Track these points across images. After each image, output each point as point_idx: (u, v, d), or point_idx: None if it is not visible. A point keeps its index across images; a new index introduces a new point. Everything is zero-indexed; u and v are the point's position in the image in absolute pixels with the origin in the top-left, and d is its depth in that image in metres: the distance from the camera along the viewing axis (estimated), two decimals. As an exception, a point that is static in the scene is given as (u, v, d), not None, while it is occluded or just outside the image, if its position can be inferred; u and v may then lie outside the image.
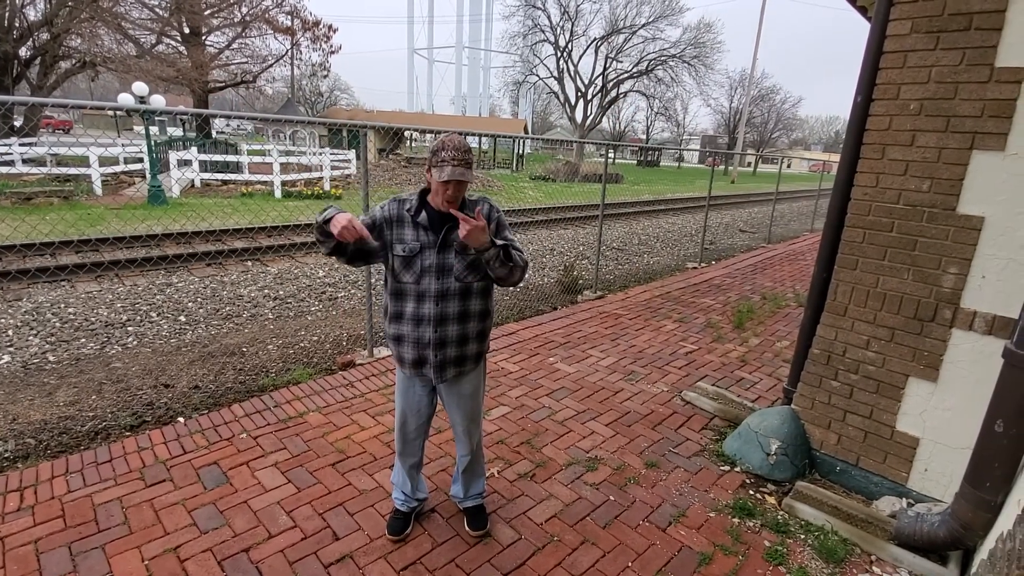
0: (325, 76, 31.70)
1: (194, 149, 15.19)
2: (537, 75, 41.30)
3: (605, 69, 40.50)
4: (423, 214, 2.02)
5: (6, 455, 2.88)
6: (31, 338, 4.62)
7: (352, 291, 6.58)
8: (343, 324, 5.31)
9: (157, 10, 19.90)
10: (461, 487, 2.46)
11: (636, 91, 43.02)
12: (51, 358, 4.29)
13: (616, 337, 5.04)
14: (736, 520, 2.63)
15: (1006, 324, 2.34)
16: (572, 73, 40.40)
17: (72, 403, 3.50)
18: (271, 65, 24.54)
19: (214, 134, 27.06)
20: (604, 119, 46.69)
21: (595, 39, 39.69)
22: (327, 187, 15.97)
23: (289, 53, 25.88)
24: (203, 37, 21.73)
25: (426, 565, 2.24)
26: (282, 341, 4.76)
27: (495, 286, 2.18)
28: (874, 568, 2.38)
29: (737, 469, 3.05)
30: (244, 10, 22.08)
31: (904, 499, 2.67)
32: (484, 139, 32.99)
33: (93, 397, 3.59)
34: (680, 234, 12.53)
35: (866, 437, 2.82)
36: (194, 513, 2.45)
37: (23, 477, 2.63)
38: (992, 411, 2.02)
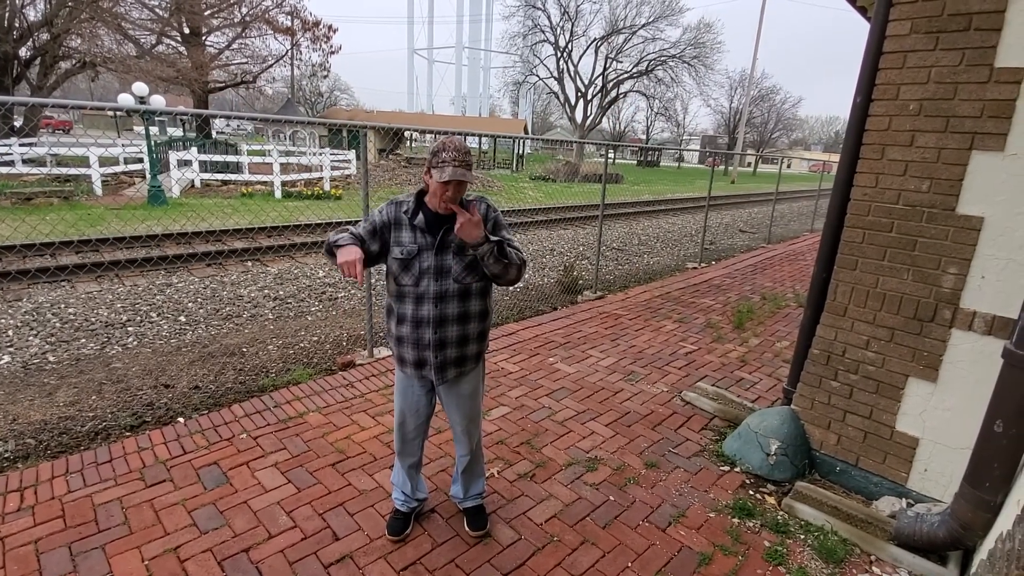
0: (325, 76, 31.74)
1: (194, 149, 15.19)
2: (537, 75, 41.33)
3: (605, 69, 40.52)
4: (420, 216, 2.02)
5: (6, 455, 2.89)
6: (31, 338, 4.62)
7: (352, 291, 6.58)
8: (343, 324, 5.31)
9: (157, 10, 19.91)
10: (461, 487, 2.46)
11: (636, 91, 43.06)
12: (51, 358, 4.29)
13: (616, 337, 5.04)
14: (736, 520, 2.63)
15: (1006, 324, 2.34)
16: (572, 73, 40.43)
17: (72, 403, 3.50)
18: (271, 65, 24.56)
19: (214, 134, 27.07)
20: (604, 119, 46.72)
21: (595, 39, 39.73)
22: (327, 187, 15.97)
23: (289, 53, 25.91)
24: (203, 37, 21.74)
25: (426, 565, 2.25)
26: (282, 341, 4.76)
27: (494, 286, 2.19)
28: (874, 568, 2.38)
29: (737, 469, 3.05)
30: (244, 10, 22.09)
31: (904, 499, 2.67)
32: (484, 139, 32.99)
33: (93, 397, 3.59)
34: (680, 234, 12.53)
35: (866, 437, 2.82)
36: (194, 513, 2.45)
37: (23, 477, 2.64)
38: (992, 411, 2.03)
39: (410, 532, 2.41)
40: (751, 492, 2.87)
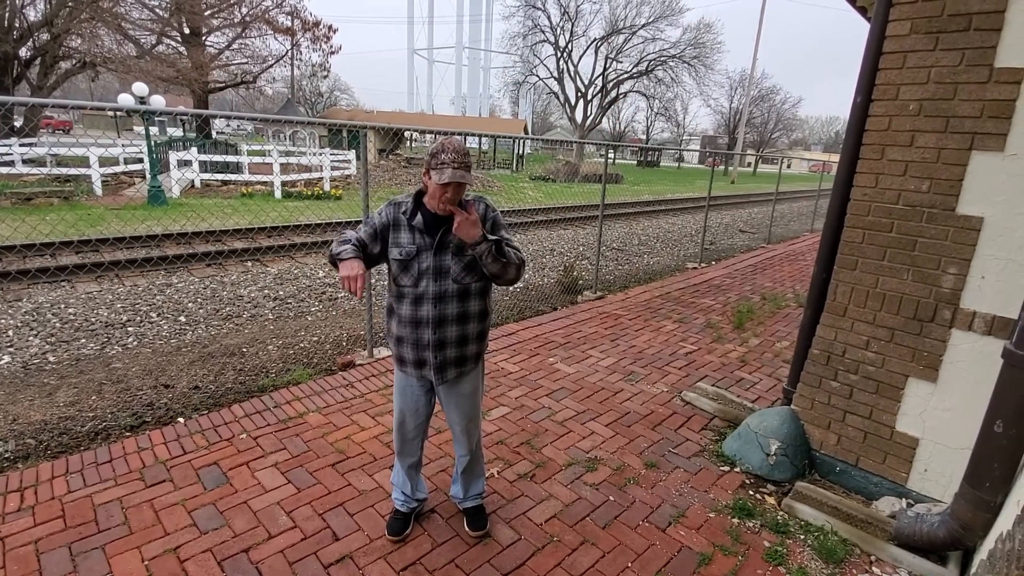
0: (325, 76, 31.74)
1: (194, 149, 15.19)
2: (537, 75, 41.33)
3: (605, 69, 40.52)
4: (419, 217, 2.02)
5: (6, 455, 2.89)
6: (31, 338, 4.62)
7: (352, 291, 6.57)
8: (343, 324, 5.31)
9: (157, 10, 19.91)
10: (461, 487, 2.46)
11: (636, 91, 43.07)
12: (51, 358, 4.29)
13: (616, 337, 5.04)
14: (736, 520, 2.63)
15: (1005, 324, 2.34)
16: (572, 73, 40.43)
17: (72, 403, 3.50)
18: (271, 65, 24.56)
19: (214, 134, 27.07)
20: (604, 119, 46.72)
21: (595, 39, 39.74)
22: (327, 187, 15.98)
23: (289, 53, 25.92)
24: (203, 37, 21.74)
25: (426, 566, 2.25)
26: (282, 341, 4.76)
27: (493, 286, 2.19)
28: (874, 568, 2.38)
29: (737, 469, 3.05)
30: (244, 10, 22.09)
31: (904, 499, 2.67)
32: (484, 139, 32.99)
33: (93, 397, 3.59)
34: (680, 234, 12.53)
35: (866, 437, 2.82)
36: (194, 513, 2.45)
37: (23, 477, 2.64)
38: (991, 411, 2.03)
39: (410, 532, 2.41)
40: (751, 492, 2.87)
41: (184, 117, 27.26)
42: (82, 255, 7.13)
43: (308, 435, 3.13)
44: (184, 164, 14.67)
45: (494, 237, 1.98)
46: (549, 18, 38.58)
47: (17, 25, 16.72)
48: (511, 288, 6.76)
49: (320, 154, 18.17)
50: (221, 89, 24.46)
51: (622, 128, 61.56)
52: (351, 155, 20.05)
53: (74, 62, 18.56)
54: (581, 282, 6.78)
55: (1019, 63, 2.23)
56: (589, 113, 41.87)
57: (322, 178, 16.43)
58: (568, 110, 42.65)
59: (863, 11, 3.58)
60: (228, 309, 5.67)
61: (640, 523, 2.58)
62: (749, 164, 59.55)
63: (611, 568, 2.30)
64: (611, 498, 2.75)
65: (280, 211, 11.25)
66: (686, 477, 2.97)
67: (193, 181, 14.75)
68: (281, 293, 6.30)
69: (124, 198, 12.29)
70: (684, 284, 7.28)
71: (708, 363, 4.59)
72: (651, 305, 6.18)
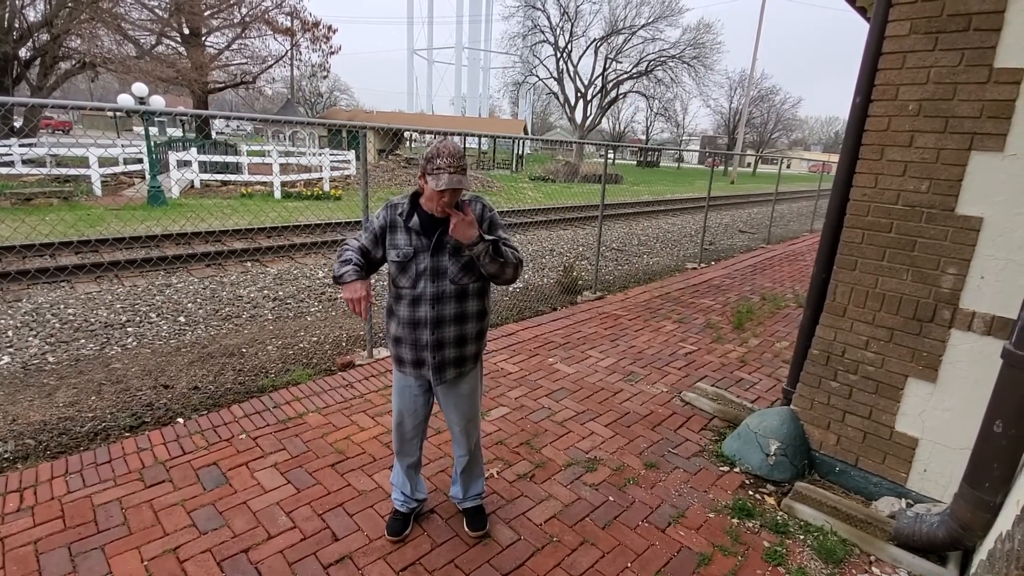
0: (325, 77, 31.70)
1: (193, 150, 15.19)
2: (537, 76, 41.35)
3: (605, 70, 40.54)
4: (415, 218, 2.02)
5: (6, 456, 2.88)
6: (31, 339, 4.62)
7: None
8: (342, 325, 5.31)
9: (157, 11, 19.91)
10: (460, 488, 2.46)
11: (636, 92, 43.09)
12: (51, 359, 4.29)
13: (616, 338, 5.04)
14: (735, 521, 2.63)
15: (1005, 324, 2.34)
16: (572, 74, 40.45)
17: (72, 404, 3.49)
18: (271, 66, 24.54)
19: (214, 135, 27.07)
20: (604, 120, 46.74)
21: (595, 40, 39.76)
22: (327, 188, 15.98)
23: (289, 54, 25.90)
24: (203, 38, 21.74)
25: (425, 566, 2.25)
26: (281, 342, 4.76)
27: (492, 285, 2.19)
28: (873, 568, 2.38)
29: (736, 470, 3.05)
30: (244, 11, 22.09)
31: (903, 499, 2.67)
32: (484, 140, 33.00)
33: (93, 398, 3.59)
34: (679, 235, 12.53)
35: (865, 438, 2.82)
36: (193, 514, 2.45)
37: (23, 478, 2.63)
38: (991, 411, 2.03)
39: (409, 533, 2.41)
40: (751, 492, 2.87)
41: (184, 117, 27.27)
42: (81, 255, 7.13)
43: (307, 435, 3.13)
44: (183, 164, 14.67)
45: (491, 237, 1.98)
46: (549, 18, 38.63)
47: (17, 25, 16.72)
48: (510, 288, 6.76)
49: (320, 154, 18.17)
50: (221, 89, 24.45)
51: (622, 128, 61.57)
52: (351, 155, 20.05)
53: (74, 62, 18.55)
54: (581, 282, 6.78)
55: (1018, 63, 2.23)
56: (589, 113, 41.89)
57: (322, 178, 16.43)
58: (568, 110, 42.66)
59: (863, 11, 3.59)
60: (227, 309, 5.67)
61: (640, 523, 2.58)
62: (749, 164, 59.57)
63: (611, 568, 2.30)
64: (611, 498, 2.75)
65: (280, 211, 11.24)
66: (686, 477, 2.97)
67: (193, 181, 14.75)
68: (281, 293, 6.30)
69: (124, 198, 12.28)
70: (684, 284, 7.29)
71: (708, 363, 4.59)
72: (651, 305, 6.18)
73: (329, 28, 25.16)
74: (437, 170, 1.86)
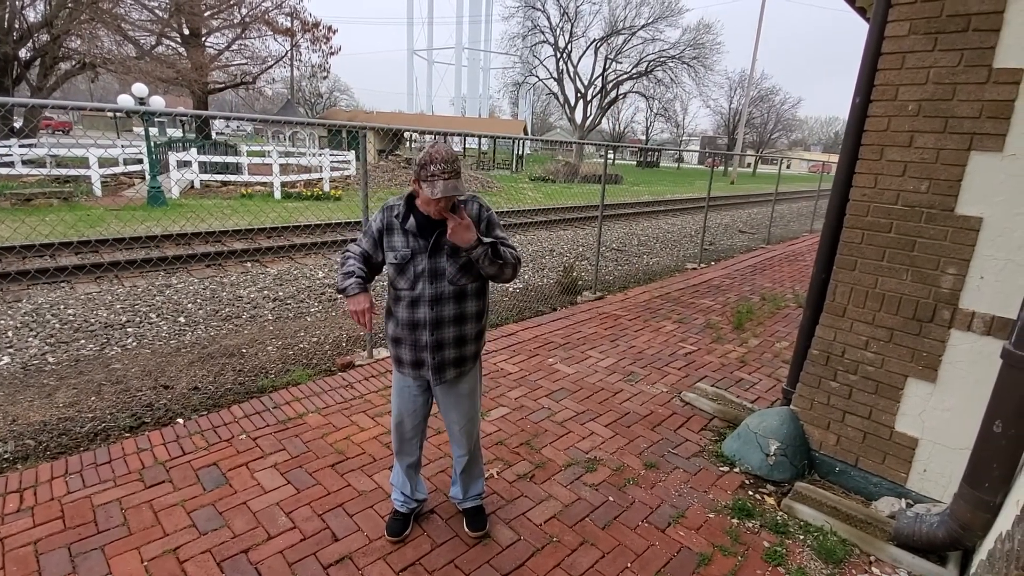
0: (325, 77, 31.68)
1: (193, 150, 15.19)
2: (537, 76, 41.38)
3: (604, 70, 40.56)
4: (411, 220, 2.02)
5: (6, 456, 2.88)
6: (30, 339, 4.62)
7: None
8: (342, 325, 5.31)
9: (157, 11, 19.91)
10: (460, 488, 2.46)
11: (635, 92, 43.12)
12: (50, 359, 4.29)
13: (615, 338, 5.04)
14: (735, 521, 2.63)
15: (1004, 325, 2.34)
16: (572, 74, 40.47)
17: (71, 404, 3.49)
18: (271, 66, 24.54)
19: (214, 135, 27.07)
20: (604, 120, 46.73)
21: (594, 40, 39.78)
22: (327, 188, 15.98)
23: (289, 54, 25.89)
24: (203, 38, 21.74)
25: (425, 566, 2.25)
26: (281, 342, 4.76)
27: (490, 284, 2.19)
28: (873, 569, 2.38)
29: (736, 470, 3.05)
30: (244, 11, 22.09)
31: (903, 500, 2.67)
32: (484, 140, 33.00)
33: (92, 398, 3.59)
34: (679, 235, 12.53)
35: (865, 438, 2.82)
36: (193, 514, 2.45)
37: (23, 478, 2.63)
38: (991, 412, 2.03)
39: (409, 533, 2.41)
40: (750, 493, 2.87)
41: (183, 118, 27.24)
42: (81, 256, 7.13)
43: (307, 436, 3.13)
44: (183, 165, 14.67)
45: (489, 239, 1.98)
46: (548, 19, 38.67)
47: (17, 26, 16.72)
48: (510, 288, 6.77)
49: (320, 155, 18.18)
50: (221, 90, 24.45)
51: (622, 129, 61.55)
52: (351, 156, 20.05)
53: (74, 63, 18.56)
54: (580, 282, 6.79)
55: (1018, 63, 2.23)
56: (589, 114, 41.91)
57: (321, 179, 16.43)
58: (568, 111, 42.68)
59: (862, 12, 3.59)
60: (227, 310, 5.67)
61: (640, 523, 2.58)
62: (749, 165, 59.58)
63: (611, 568, 2.30)
64: (611, 498, 2.75)
65: (280, 212, 11.24)
66: (686, 477, 2.97)
67: (192, 182, 14.75)
68: (280, 294, 6.30)
69: (123, 199, 12.29)
70: (683, 284, 7.29)
71: (707, 363, 4.59)
72: (650, 305, 6.18)
73: (329, 28, 25.17)
74: (432, 176, 1.85)
